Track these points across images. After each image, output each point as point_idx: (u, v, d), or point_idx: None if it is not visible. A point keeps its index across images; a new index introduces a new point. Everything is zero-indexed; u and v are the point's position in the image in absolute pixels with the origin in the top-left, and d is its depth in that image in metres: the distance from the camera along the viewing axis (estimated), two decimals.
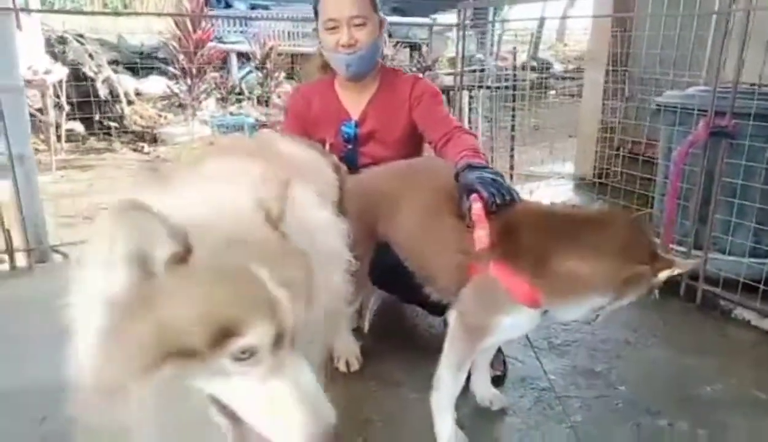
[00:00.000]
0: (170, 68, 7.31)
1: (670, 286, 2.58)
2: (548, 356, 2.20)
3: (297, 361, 0.84)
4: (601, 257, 1.37)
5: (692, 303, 2.63)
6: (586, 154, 4.47)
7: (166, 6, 16.63)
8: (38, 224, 3.07)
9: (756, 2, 2.58)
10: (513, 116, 4.41)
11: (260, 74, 9.12)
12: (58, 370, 2.02)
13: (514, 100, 4.44)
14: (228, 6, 11.19)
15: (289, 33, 10.36)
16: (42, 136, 6.64)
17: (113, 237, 0.76)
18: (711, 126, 2.36)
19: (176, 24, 6.82)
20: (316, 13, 2.13)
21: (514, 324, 1.48)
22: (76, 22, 9.70)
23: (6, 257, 3.18)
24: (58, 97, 6.87)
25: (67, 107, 7.01)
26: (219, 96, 8.49)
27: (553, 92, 9.83)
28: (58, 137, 6.92)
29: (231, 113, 8.64)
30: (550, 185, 4.65)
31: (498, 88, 4.46)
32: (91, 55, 7.85)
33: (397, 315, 2.44)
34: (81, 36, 8.43)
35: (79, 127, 7.68)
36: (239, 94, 9.16)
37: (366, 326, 2.19)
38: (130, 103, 8.34)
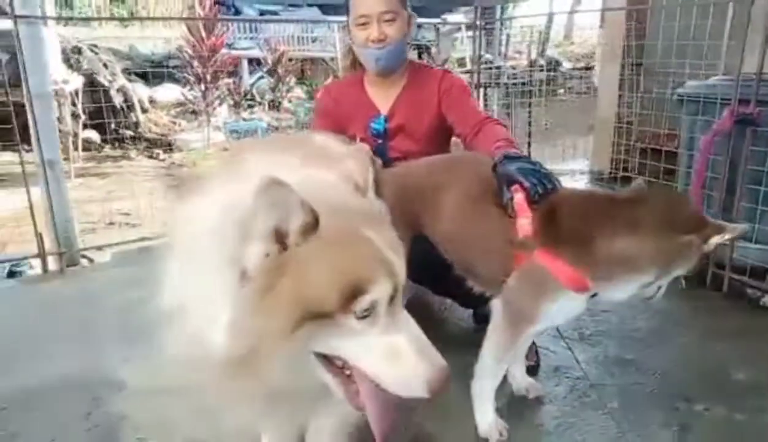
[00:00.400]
0: (185, 74, 7.37)
1: (697, 275, 2.60)
2: (580, 347, 2.22)
3: (406, 316, 0.91)
4: (645, 234, 1.39)
5: (719, 292, 2.64)
6: (603, 149, 4.47)
7: (174, 13, 16.79)
8: (68, 228, 3.12)
9: None
10: (530, 113, 4.44)
11: (271, 79, 9.21)
12: (97, 368, 2.09)
13: (531, 96, 4.46)
14: (238, 12, 11.28)
15: (298, 38, 10.44)
16: (60, 145, 6.75)
17: (255, 212, 0.80)
18: (735, 114, 2.37)
19: (190, 30, 6.90)
20: (347, 9, 2.17)
21: (561, 310, 1.50)
22: (85, 33, 9.84)
23: (36, 260, 3.26)
24: (74, 105, 6.97)
25: (83, 116, 7.11)
26: (231, 102, 8.57)
27: (562, 91, 9.84)
28: (75, 146, 7.01)
29: (243, 119, 8.72)
30: (568, 182, 4.67)
31: (515, 84, 4.49)
32: (105, 65, 7.95)
33: (427, 308, 2.46)
34: (95, 46, 8.54)
35: (94, 135, 7.78)
36: (251, 99, 9.25)
37: None
38: (144, 111, 8.43)
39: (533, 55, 7.61)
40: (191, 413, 1.83)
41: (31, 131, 2.91)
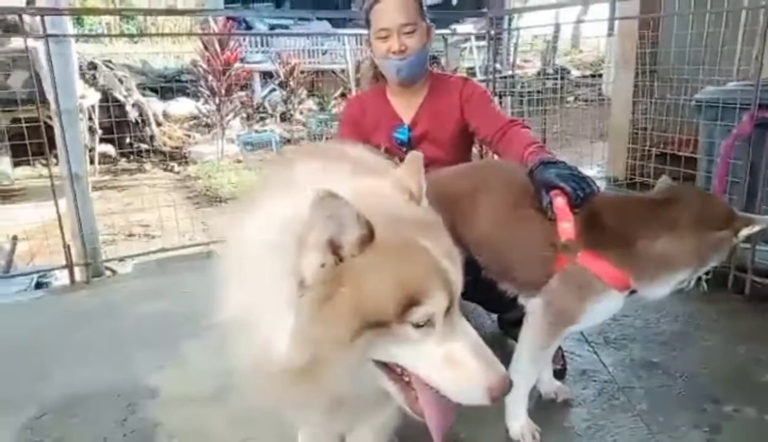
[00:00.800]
0: (200, 88, 7.48)
1: (719, 278, 2.62)
2: (605, 350, 2.24)
3: (463, 322, 0.93)
4: (684, 233, 1.46)
5: (740, 294, 2.65)
6: (619, 156, 4.49)
7: (182, 30, 17.05)
8: (93, 239, 3.19)
9: None
10: (544, 121, 4.47)
11: (283, 92, 9.32)
12: (130, 375, 2.13)
13: (545, 104, 4.49)
14: (249, 28, 11.43)
15: (309, 51, 10.57)
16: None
17: (311, 224, 0.83)
18: (755, 118, 2.40)
19: (205, 46, 7.01)
20: (368, 22, 2.21)
21: (603, 309, 1.54)
22: (95, 49, 10.01)
23: (60, 271, 3.32)
24: (90, 120, 7.09)
25: (99, 131, 7.23)
26: (245, 115, 8.68)
27: (571, 98, 9.86)
28: (92, 160, 7.13)
29: (255, 131, 8.81)
30: None
31: (529, 92, 4.53)
32: (120, 80, 8.08)
33: None
34: (109, 61, 8.68)
35: (110, 149, 7.90)
36: (263, 112, 9.36)
37: None
38: (158, 124, 8.55)
39: (542, 65, 7.65)
40: (227, 421, 1.87)
41: (58, 146, 2.98)
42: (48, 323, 2.63)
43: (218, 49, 7.02)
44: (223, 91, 7.22)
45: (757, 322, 2.46)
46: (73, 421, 1.89)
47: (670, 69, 4.06)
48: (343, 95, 9.64)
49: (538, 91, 4.49)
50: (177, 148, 8.40)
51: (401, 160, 2.03)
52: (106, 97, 7.54)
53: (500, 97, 4.55)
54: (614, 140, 4.64)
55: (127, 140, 7.78)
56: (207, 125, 8.62)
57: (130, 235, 5.15)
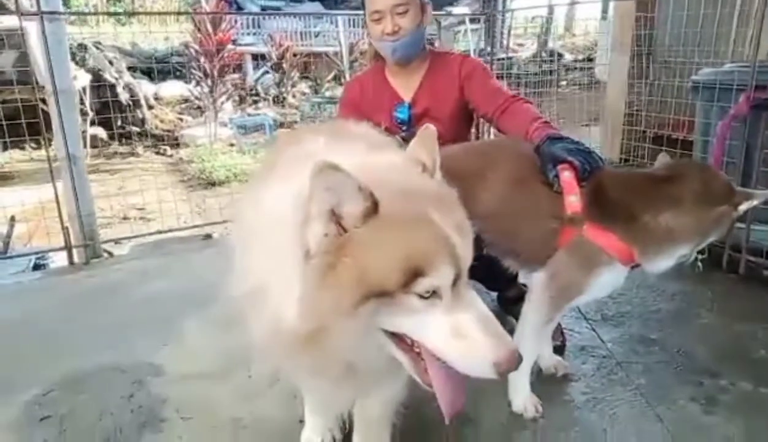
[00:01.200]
0: (192, 70, 7.41)
1: (714, 258, 2.67)
2: (604, 327, 2.28)
3: (472, 294, 0.93)
4: (686, 208, 1.49)
5: (735, 274, 2.70)
6: (613, 138, 4.52)
7: (171, 10, 16.87)
8: (91, 221, 3.17)
9: None
10: (540, 104, 4.48)
11: (276, 75, 9.25)
12: (134, 354, 2.14)
13: (541, 87, 4.50)
14: (240, 9, 11.30)
15: (301, 33, 10.47)
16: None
17: (311, 195, 0.84)
18: (752, 99, 2.43)
19: (197, 26, 6.92)
20: (363, 5, 2.21)
21: (607, 281, 1.58)
22: (82, 31, 9.86)
23: (57, 253, 3.32)
24: (81, 103, 7.01)
25: (91, 113, 7.15)
26: (237, 98, 8.62)
27: (564, 82, 9.89)
28: (83, 142, 7.05)
29: (248, 114, 8.75)
30: None
31: (526, 74, 4.53)
32: (111, 62, 7.98)
33: None
34: (99, 43, 8.57)
35: (101, 132, 7.83)
36: (255, 94, 9.29)
37: None
38: (150, 107, 8.47)
39: (538, 47, 7.65)
40: (232, 396, 1.89)
41: (55, 126, 2.96)
42: (49, 304, 2.63)
43: (210, 29, 6.93)
44: (215, 73, 7.15)
45: (752, 300, 2.51)
46: (79, 397, 1.91)
47: (665, 51, 4.07)
48: (336, 78, 9.58)
49: (535, 74, 4.48)
50: (169, 131, 8.33)
51: (402, 139, 2.05)
52: (97, 79, 7.46)
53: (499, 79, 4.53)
54: (609, 122, 4.66)
55: (119, 123, 7.70)
56: (199, 108, 8.56)
57: (125, 218, 5.14)
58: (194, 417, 1.80)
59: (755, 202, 1.52)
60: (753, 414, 1.75)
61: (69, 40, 7.76)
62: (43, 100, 6.40)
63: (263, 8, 11.42)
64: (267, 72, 9.70)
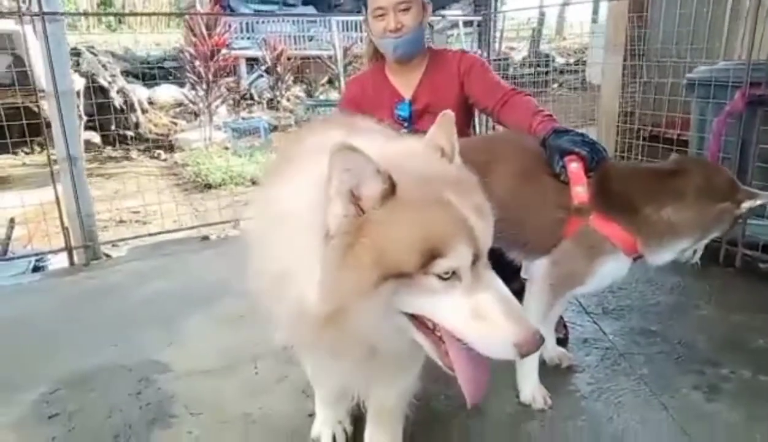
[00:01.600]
0: (188, 75, 7.41)
1: (711, 252, 2.71)
2: (605, 320, 2.31)
3: (492, 274, 0.94)
4: (687, 203, 1.52)
5: (732, 267, 2.75)
6: (608, 137, 4.56)
7: (161, 24, 16.95)
8: (91, 222, 3.17)
9: None
10: None
11: (270, 78, 9.26)
12: (140, 352, 2.15)
13: (533, 88, 4.54)
14: (233, 12, 11.31)
15: (295, 37, 10.49)
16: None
17: (330, 175, 0.85)
18: (747, 96, 2.47)
19: (192, 30, 6.93)
20: (365, 3, 2.23)
21: (610, 271, 1.60)
22: (72, 38, 9.84)
23: (55, 255, 3.31)
24: (76, 107, 6.98)
25: (84, 117, 7.13)
26: (231, 101, 8.62)
27: (555, 85, 9.97)
28: None
29: (242, 118, 8.76)
30: None
31: (522, 76, 4.57)
32: (104, 66, 7.96)
33: None
34: (92, 47, 8.55)
35: (95, 137, 7.80)
36: (249, 98, 9.29)
37: None
38: (143, 111, 8.45)
39: (533, 48, 7.72)
40: (240, 392, 1.90)
41: (55, 128, 2.96)
42: (50, 304, 2.63)
43: (205, 32, 6.93)
44: (210, 77, 7.15)
45: (749, 292, 2.55)
46: (86, 395, 1.91)
47: (658, 50, 4.12)
48: (330, 82, 9.60)
49: (530, 74, 4.53)
50: (163, 135, 8.32)
51: None
52: (91, 83, 7.43)
53: None
54: (604, 122, 4.71)
55: (112, 127, 7.68)
56: (193, 112, 8.55)
57: (122, 221, 5.13)
58: (203, 413, 1.81)
59: (759, 202, 1.55)
60: (754, 401, 1.78)
61: None
62: (37, 105, 6.36)
63: (257, 12, 11.45)
64: (261, 76, 9.72)
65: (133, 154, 7.81)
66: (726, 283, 2.64)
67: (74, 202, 3.01)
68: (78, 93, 7.01)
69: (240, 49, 10.06)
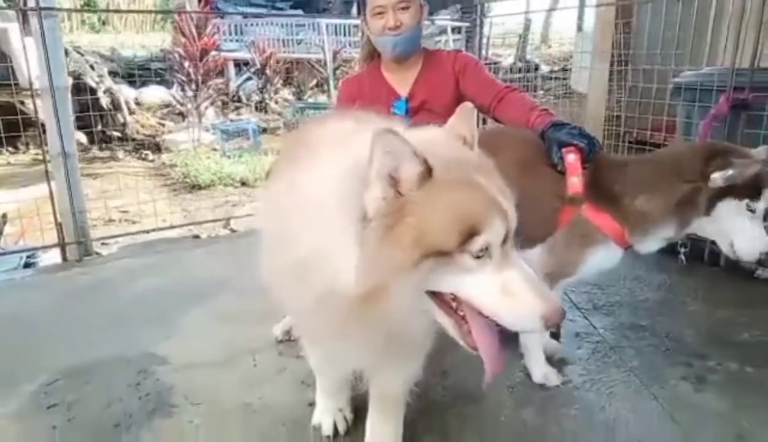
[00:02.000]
0: (177, 75, 7.38)
1: (695, 252, 2.78)
2: (595, 316, 2.36)
3: (515, 254, 0.99)
4: (657, 188, 1.61)
5: (716, 266, 2.82)
6: None
7: (146, 26, 16.86)
8: (84, 218, 3.16)
9: None
10: None
11: (258, 81, 9.26)
12: (137, 345, 2.16)
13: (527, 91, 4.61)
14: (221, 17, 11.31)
15: (283, 40, 10.51)
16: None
17: (372, 159, 0.89)
18: (731, 100, 2.56)
19: (182, 31, 6.92)
20: (363, 1, 2.27)
21: (601, 259, 1.67)
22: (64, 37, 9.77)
23: (45, 252, 3.30)
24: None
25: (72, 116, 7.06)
26: (220, 103, 8.60)
27: (541, 92, 10.10)
28: None
29: (231, 120, 8.74)
30: None
31: (512, 81, 4.64)
32: (92, 66, 7.90)
33: None
34: (79, 47, 8.49)
35: (81, 137, 7.72)
36: (238, 100, 9.28)
37: None
38: (131, 112, 8.40)
39: (519, 53, 7.82)
40: (239, 383, 1.92)
41: (49, 123, 2.95)
42: (46, 300, 2.62)
43: (194, 33, 6.93)
44: (199, 78, 7.14)
45: (733, 290, 2.63)
46: (85, 386, 1.91)
47: (643, 56, 4.22)
48: (318, 85, 9.64)
49: (519, 79, 4.60)
50: (150, 136, 8.26)
51: None
52: (77, 83, 7.37)
53: None
54: (591, 126, 4.80)
55: (99, 127, 7.62)
56: (180, 114, 8.52)
57: (110, 220, 5.09)
58: (203, 403, 1.83)
59: (731, 172, 1.53)
60: (740, 391, 1.85)
61: None
62: (22, 102, 6.29)
63: (245, 15, 11.46)
64: (250, 78, 9.72)
65: (120, 154, 7.74)
66: (711, 280, 2.72)
67: (68, 198, 3.00)
68: None
69: (229, 51, 10.05)
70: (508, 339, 1.11)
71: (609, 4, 4.25)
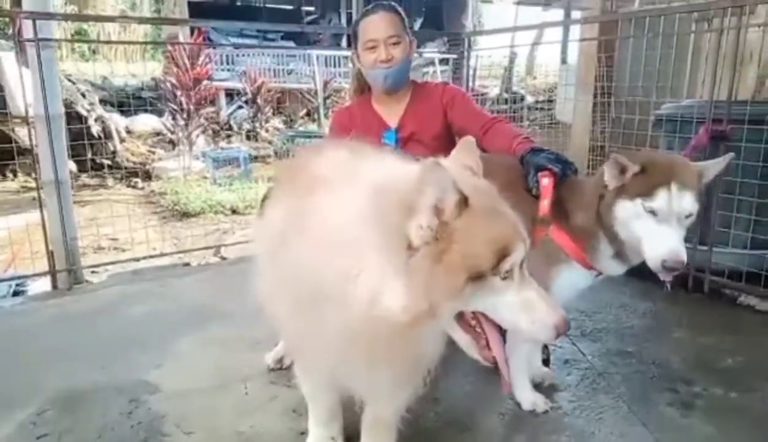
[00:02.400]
0: (169, 104, 7.44)
1: (679, 279, 2.85)
2: (583, 342, 2.40)
3: (529, 276, 1.11)
4: (581, 204, 1.72)
5: (700, 293, 2.88)
6: (580, 171, 4.75)
7: (136, 55, 17.02)
8: (75, 246, 3.16)
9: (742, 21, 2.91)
10: None
11: (249, 109, 9.37)
12: (128, 373, 2.16)
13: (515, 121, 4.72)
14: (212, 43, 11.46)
15: (274, 70, 10.66)
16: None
17: (420, 189, 0.97)
18: (710, 131, 2.66)
19: (175, 61, 7.01)
20: (355, 36, 2.35)
21: (567, 281, 1.74)
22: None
23: (34, 280, 3.29)
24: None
25: None
26: (211, 131, 8.66)
27: (526, 122, 10.29)
28: None
29: (221, 148, 8.80)
30: None
31: (499, 112, 4.75)
32: (83, 94, 7.95)
33: None
34: (70, 76, 8.54)
35: (71, 165, 7.72)
36: (229, 129, 9.36)
37: None
38: (121, 140, 8.42)
39: (506, 85, 8.00)
40: (231, 411, 1.93)
41: (43, 152, 2.97)
42: (37, 327, 2.61)
43: (187, 63, 7.02)
44: (191, 107, 7.20)
45: (717, 316, 2.69)
46: (76, 415, 1.90)
47: (625, 89, 4.35)
48: (308, 114, 9.75)
49: (505, 110, 4.71)
50: (140, 164, 8.28)
51: None
52: (69, 112, 7.40)
53: None
54: (575, 155, 4.91)
55: (89, 155, 7.62)
56: (171, 142, 8.56)
57: (100, 248, 5.08)
58: (195, 431, 1.82)
59: (635, 170, 1.58)
60: (725, 416, 1.88)
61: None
62: (12, 130, 6.29)
63: (236, 46, 11.64)
64: (241, 107, 9.83)
65: (110, 182, 7.74)
66: (695, 307, 2.77)
67: (59, 226, 3.01)
68: None
69: (220, 80, 10.17)
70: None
71: (592, 39, 4.40)
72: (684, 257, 1.54)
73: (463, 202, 1.01)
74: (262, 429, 1.83)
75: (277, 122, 10.07)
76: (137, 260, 3.75)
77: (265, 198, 1.91)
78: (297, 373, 1.59)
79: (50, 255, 2.99)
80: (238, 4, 15.86)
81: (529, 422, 1.86)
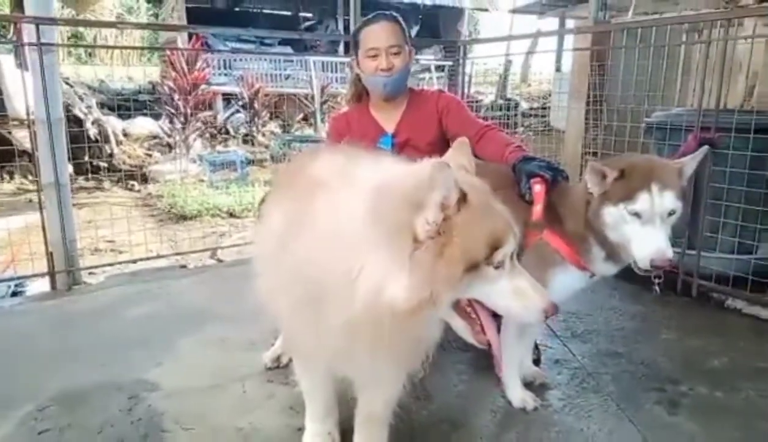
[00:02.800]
0: (166, 107, 7.48)
1: (668, 282, 2.92)
2: (573, 343, 2.46)
3: (519, 265, 1.19)
4: (573, 209, 1.78)
5: (689, 297, 2.95)
6: (572, 178, 4.82)
7: (132, 58, 17.06)
8: (74, 248, 3.20)
9: (728, 34, 3.00)
10: None
11: (246, 113, 9.42)
12: (128, 372, 2.20)
13: (508, 128, 4.79)
14: (210, 49, 11.51)
15: (271, 75, 10.73)
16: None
17: (430, 188, 1.05)
18: (699, 139, 2.72)
19: (173, 65, 7.06)
20: (356, 43, 2.41)
21: (562, 283, 1.79)
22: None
23: (32, 281, 3.32)
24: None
25: None
26: (208, 135, 8.70)
27: (521, 129, 10.38)
28: None
29: (218, 151, 8.84)
30: None
31: (493, 118, 4.82)
32: (81, 97, 7.98)
33: None
34: (67, 79, 8.57)
35: (68, 167, 7.74)
36: (225, 132, 9.41)
37: None
38: (118, 143, 8.45)
39: (500, 92, 8.09)
40: (230, 409, 1.97)
41: (43, 155, 3.01)
42: (37, 327, 2.64)
43: (185, 67, 7.07)
44: (189, 111, 7.25)
45: (705, 319, 2.75)
46: (77, 412, 1.94)
47: (617, 97, 4.43)
48: (305, 119, 9.81)
49: (500, 116, 4.78)
50: (137, 166, 8.30)
51: None
52: (67, 115, 7.43)
53: None
54: (569, 162, 4.98)
55: (86, 158, 7.65)
56: (168, 145, 8.59)
57: (97, 250, 5.10)
58: (195, 428, 1.87)
59: (614, 175, 1.64)
60: (711, 414, 1.95)
61: None
62: (9, 132, 6.31)
63: (234, 51, 11.70)
64: (237, 111, 9.88)
65: (106, 184, 7.76)
66: (684, 310, 2.84)
67: (59, 227, 3.04)
68: None
69: (218, 85, 10.22)
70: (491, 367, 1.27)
71: (584, 49, 4.47)
72: (670, 254, 1.61)
73: (463, 199, 1.09)
74: (260, 426, 1.88)
75: (273, 126, 10.12)
76: (134, 261, 3.78)
77: (262, 202, 1.96)
78: (296, 370, 1.64)
79: (49, 256, 3.02)
80: (236, 9, 15.96)
81: (519, 419, 1.91)
